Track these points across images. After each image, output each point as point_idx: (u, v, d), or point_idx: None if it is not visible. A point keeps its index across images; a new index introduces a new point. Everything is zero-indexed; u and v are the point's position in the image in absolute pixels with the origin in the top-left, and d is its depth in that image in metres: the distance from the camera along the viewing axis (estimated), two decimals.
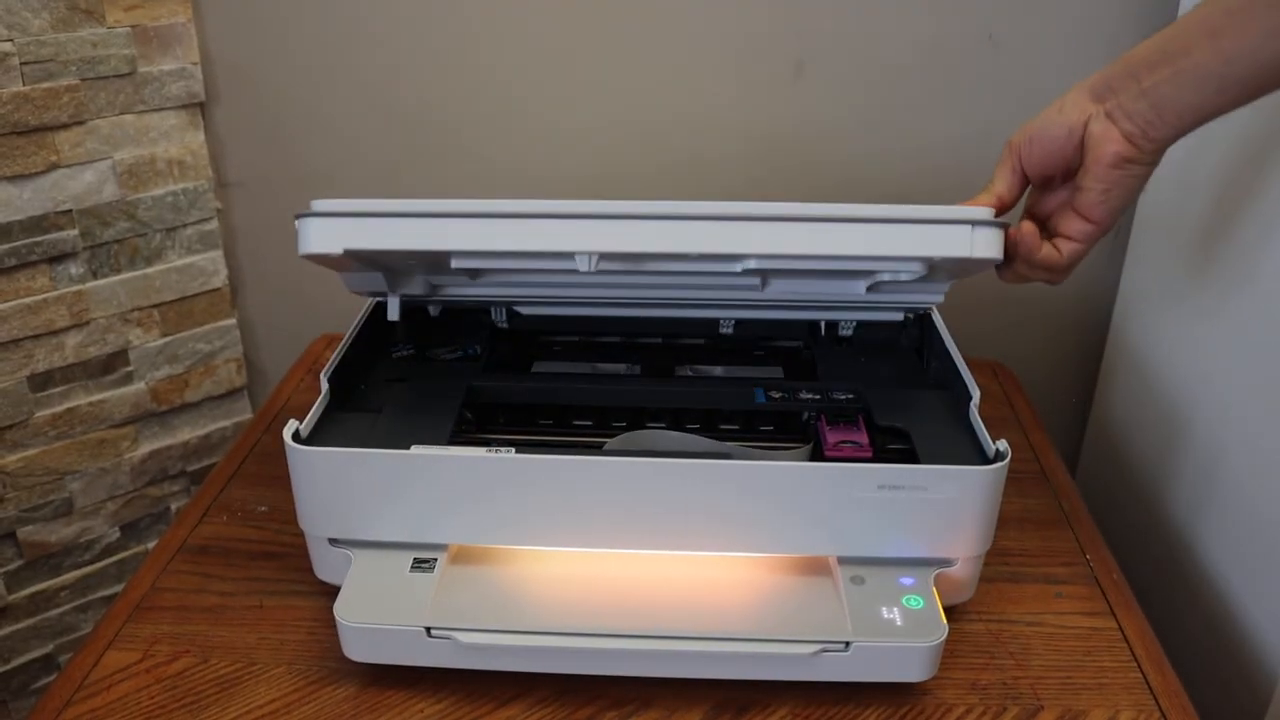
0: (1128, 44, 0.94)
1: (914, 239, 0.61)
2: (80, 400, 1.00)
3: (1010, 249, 0.63)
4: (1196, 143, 0.87)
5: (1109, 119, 0.59)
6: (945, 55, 0.96)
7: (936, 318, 0.77)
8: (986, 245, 0.61)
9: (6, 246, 0.91)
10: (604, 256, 0.61)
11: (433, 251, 0.62)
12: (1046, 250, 0.63)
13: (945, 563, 0.65)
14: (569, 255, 0.61)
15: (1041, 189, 0.66)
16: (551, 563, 0.65)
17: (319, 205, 0.61)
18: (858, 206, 0.61)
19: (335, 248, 0.61)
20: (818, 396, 0.71)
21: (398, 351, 0.76)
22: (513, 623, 0.61)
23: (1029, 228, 0.63)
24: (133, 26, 0.92)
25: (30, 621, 1.03)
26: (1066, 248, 0.63)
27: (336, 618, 0.61)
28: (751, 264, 0.64)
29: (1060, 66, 0.96)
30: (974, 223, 0.61)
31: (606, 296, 0.74)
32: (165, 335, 1.03)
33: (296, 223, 0.61)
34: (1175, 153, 0.90)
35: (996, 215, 0.63)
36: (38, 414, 0.97)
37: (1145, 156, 0.59)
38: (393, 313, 0.69)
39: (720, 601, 0.63)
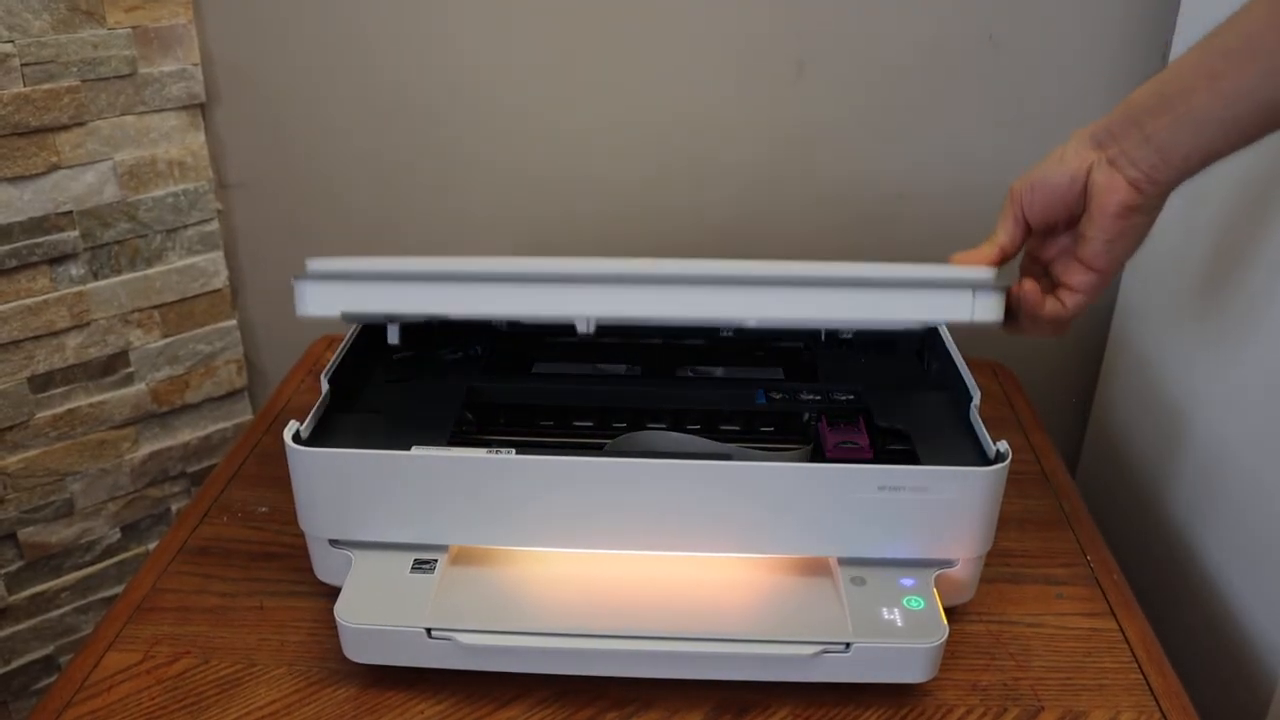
0: (1128, 44, 0.94)
1: (913, 304, 0.60)
2: (81, 401, 1.00)
3: (1013, 306, 0.62)
4: None
5: (1112, 166, 0.58)
6: (946, 55, 0.96)
7: None
8: (987, 310, 0.60)
9: (7, 247, 0.91)
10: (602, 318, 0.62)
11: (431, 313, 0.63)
12: (1050, 305, 0.62)
13: (946, 563, 0.65)
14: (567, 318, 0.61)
15: (1043, 236, 0.65)
16: (552, 564, 0.65)
17: (315, 266, 0.61)
18: (856, 268, 0.60)
19: (332, 311, 0.61)
20: (818, 397, 0.71)
21: (398, 353, 0.76)
22: (513, 624, 0.61)
23: (1030, 286, 0.62)
24: (133, 28, 0.92)
25: (31, 622, 1.03)
26: (1070, 300, 0.62)
27: (337, 619, 0.61)
28: (750, 324, 0.65)
29: (1060, 67, 0.96)
30: (975, 287, 0.60)
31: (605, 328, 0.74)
32: (166, 336, 1.03)
33: (294, 284, 0.61)
34: None
35: (999, 264, 0.62)
36: (38, 415, 0.98)
37: (1150, 202, 0.58)
38: (392, 337, 0.69)
39: (721, 602, 0.63)
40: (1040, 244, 0.65)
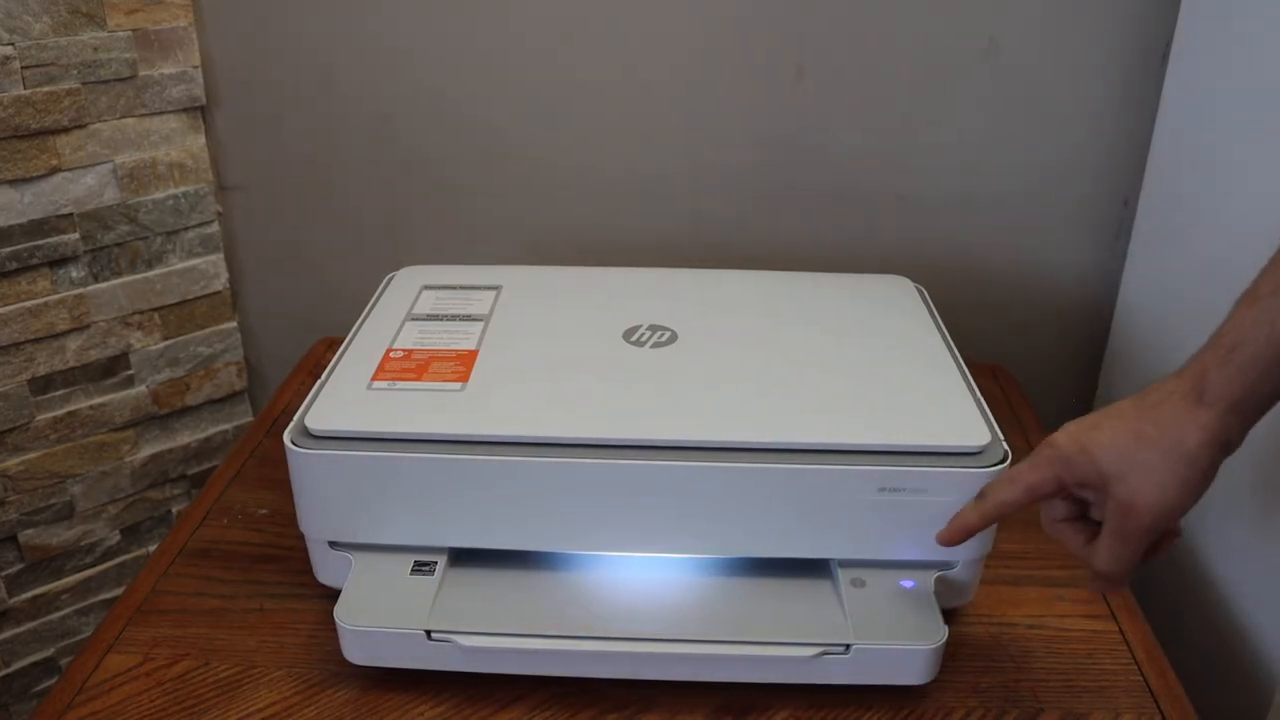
0: (1127, 47, 0.94)
1: None
2: (81, 404, 1.00)
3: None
4: (1197, 144, 0.87)
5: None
6: (946, 58, 0.96)
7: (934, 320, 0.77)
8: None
9: (7, 250, 0.91)
10: None
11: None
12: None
13: (946, 565, 0.65)
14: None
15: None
16: (552, 565, 0.65)
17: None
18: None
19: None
20: None
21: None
22: (513, 626, 0.61)
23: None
24: (134, 30, 0.93)
25: (31, 625, 1.03)
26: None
27: (337, 621, 0.61)
28: None
29: (1060, 69, 0.96)
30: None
31: None
32: (166, 339, 1.03)
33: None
34: (1176, 152, 0.90)
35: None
36: (39, 417, 0.97)
37: None
38: None
39: (721, 604, 0.63)
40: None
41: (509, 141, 1.02)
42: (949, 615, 0.64)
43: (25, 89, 0.88)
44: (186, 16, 0.95)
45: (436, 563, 0.64)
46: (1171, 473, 0.50)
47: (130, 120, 0.95)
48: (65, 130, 0.91)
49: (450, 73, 1.00)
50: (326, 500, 0.64)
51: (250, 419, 1.12)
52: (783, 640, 0.60)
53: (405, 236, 1.07)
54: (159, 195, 0.99)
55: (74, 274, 0.96)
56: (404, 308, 0.78)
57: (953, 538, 0.59)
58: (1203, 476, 0.50)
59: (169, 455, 1.07)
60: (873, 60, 0.97)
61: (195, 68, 0.97)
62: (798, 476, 0.61)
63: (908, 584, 0.64)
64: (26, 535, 1.00)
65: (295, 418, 0.64)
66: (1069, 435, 0.54)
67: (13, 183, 0.90)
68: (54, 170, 0.92)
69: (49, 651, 1.05)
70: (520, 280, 0.82)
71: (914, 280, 0.84)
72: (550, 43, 0.98)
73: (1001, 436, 0.63)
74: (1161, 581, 0.87)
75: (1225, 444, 0.50)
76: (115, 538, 1.06)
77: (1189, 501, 0.50)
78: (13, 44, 0.86)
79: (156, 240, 1.00)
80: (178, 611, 0.69)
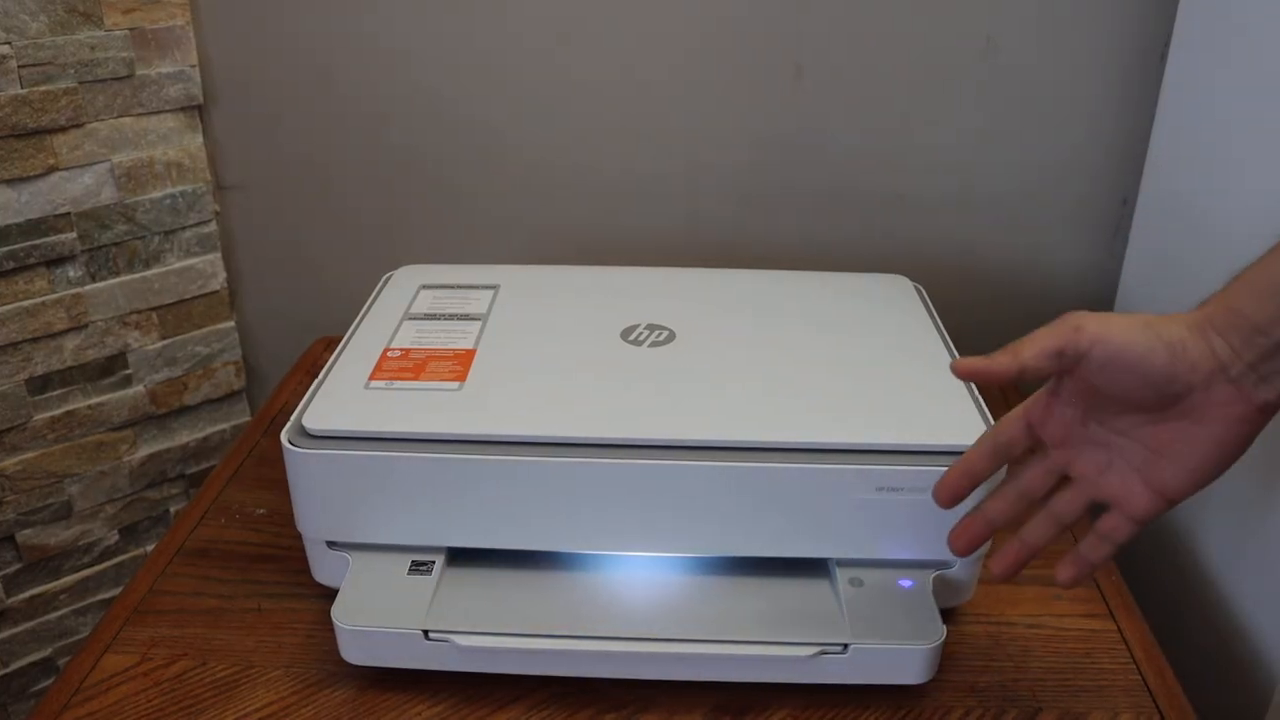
0: (1125, 46, 0.94)
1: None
2: (79, 403, 1.00)
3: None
4: (1195, 143, 0.87)
5: (1236, 384, 0.49)
6: (944, 57, 0.96)
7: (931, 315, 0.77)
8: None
9: (5, 250, 0.91)
10: None
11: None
12: (1092, 549, 0.55)
13: (944, 565, 0.65)
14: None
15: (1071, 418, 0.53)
16: (549, 564, 0.65)
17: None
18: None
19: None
20: None
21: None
22: (511, 625, 0.61)
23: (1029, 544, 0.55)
24: (131, 29, 0.92)
25: (29, 625, 1.03)
26: (1122, 532, 0.53)
27: (334, 621, 0.61)
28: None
29: (1058, 68, 0.96)
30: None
31: None
32: (164, 338, 1.03)
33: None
34: (1175, 151, 0.90)
35: (1013, 380, 0.51)
36: (36, 417, 0.97)
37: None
38: None
39: (719, 603, 0.63)
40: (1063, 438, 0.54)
41: (506, 141, 1.02)
42: (947, 614, 0.64)
43: (22, 88, 0.88)
44: (184, 15, 0.95)
45: (434, 562, 0.64)
46: (1138, 320, 0.51)
47: (127, 119, 0.95)
48: (62, 129, 0.91)
49: (447, 72, 1.00)
50: (324, 500, 0.64)
51: (248, 418, 1.12)
52: (780, 640, 0.60)
53: (403, 236, 1.07)
54: (156, 195, 0.99)
55: (71, 273, 0.96)
56: (402, 307, 0.78)
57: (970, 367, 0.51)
58: (1163, 344, 0.50)
59: (167, 455, 1.07)
60: (871, 60, 0.97)
61: (193, 67, 0.97)
62: (795, 476, 0.61)
63: (906, 583, 0.64)
64: (24, 535, 1.00)
65: (292, 417, 0.64)
66: None
67: (10, 182, 0.90)
68: (51, 169, 0.92)
69: (46, 651, 1.05)
70: (518, 279, 0.82)
71: (912, 279, 0.84)
72: (547, 43, 0.98)
73: None
74: (1161, 581, 0.87)
75: (1204, 333, 0.50)
76: (113, 537, 1.06)
77: (1135, 344, 0.49)
78: (9, 43, 0.86)
79: (154, 240, 1.00)
80: (175, 611, 0.69)
